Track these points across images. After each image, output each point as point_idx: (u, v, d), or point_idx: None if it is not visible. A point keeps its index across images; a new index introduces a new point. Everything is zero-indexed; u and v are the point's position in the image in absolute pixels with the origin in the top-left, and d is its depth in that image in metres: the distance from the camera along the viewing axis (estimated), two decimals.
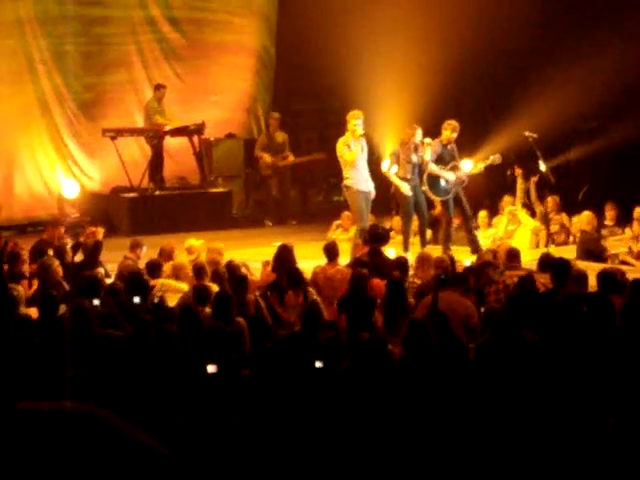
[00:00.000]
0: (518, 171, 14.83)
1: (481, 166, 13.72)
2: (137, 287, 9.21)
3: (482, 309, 8.45)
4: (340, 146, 12.89)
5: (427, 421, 5.93)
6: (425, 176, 13.19)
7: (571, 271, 9.41)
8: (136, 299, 8.86)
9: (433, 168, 13.17)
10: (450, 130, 13.28)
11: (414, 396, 6.21)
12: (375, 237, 11.35)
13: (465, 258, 12.59)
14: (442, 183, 13.25)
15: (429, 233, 13.97)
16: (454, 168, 13.31)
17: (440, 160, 13.26)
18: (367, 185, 12.95)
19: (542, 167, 13.73)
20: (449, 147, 13.36)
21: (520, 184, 14.82)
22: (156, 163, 17.06)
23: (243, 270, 10.07)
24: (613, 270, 9.43)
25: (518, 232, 14.45)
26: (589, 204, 15.09)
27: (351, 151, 12.77)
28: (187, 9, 18.70)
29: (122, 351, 7.41)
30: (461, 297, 8.73)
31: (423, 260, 10.63)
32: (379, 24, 18.38)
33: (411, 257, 11.55)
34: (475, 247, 13.01)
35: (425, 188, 13.24)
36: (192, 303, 8.64)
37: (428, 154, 13.14)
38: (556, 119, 16.50)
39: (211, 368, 6.77)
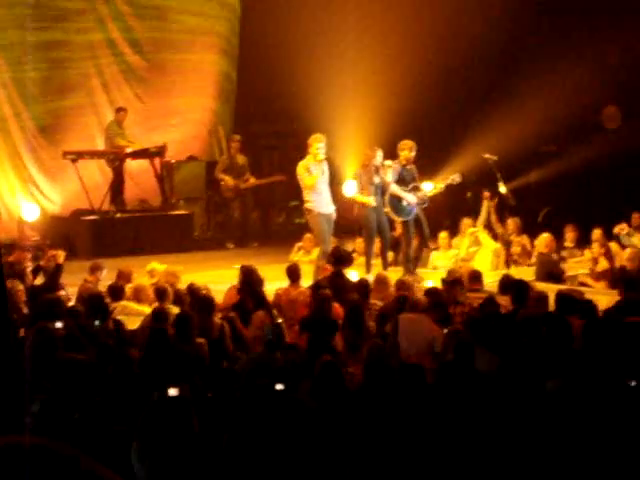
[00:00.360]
0: (486, 194, 14.90)
1: (441, 186, 13.80)
2: (97, 310, 9.16)
3: (445, 330, 8.47)
4: (300, 170, 12.91)
5: (386, 444, 5.94)
6: (387, 197, 13.24)
7: (530, 293, 9.49)
8: (96, 322, 8.81)
9: (394, 189, 13.22)
10: (407, 150, 13.34)
11: (373, 419, 6.21)
12: (339, 259, 11.37)
13: (427, 279, 12.69)
14: (403, 204, 13.31)
15: (391, 255, 14.02)
16: (415, 189, 13.37)
17: (401, 181, 13.32)
18: (328, 208, 12.97)
19: (502, 189, 13.84)
20: (409, 167, 13.41)
21: (485, 206, 14.90)
22: (117, 185, 17.00)
23: (205, 292, 10.04)
24: (571, 292, 9.52)
25: (479, 254, 14.52)
26: (549, 226, 15.21)
27: (311, 175, 12.79)
28: (147, 31, 18.71)
29: (85, 375, 7.36)
30: (432, 322, 8.73)
31: (380, 282, 10.66)
32: (340, 48, 18.48)
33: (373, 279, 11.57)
34: (412, 269, 13.09)
35: (387, 209, 13.29)
36: (153, 325, 8.60)
37: (389, 175, 13.20)
38: (516, 142, 16.66)
39: (172, 391, 6.74)
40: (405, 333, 8.57)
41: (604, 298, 9.63)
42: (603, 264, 13.16)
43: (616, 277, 12.18)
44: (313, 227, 13.17)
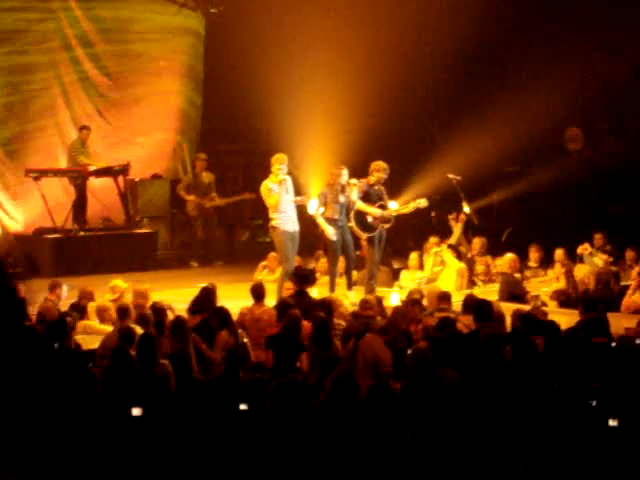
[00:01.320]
0: (451, 216, 14.93)
1: (406, 211, 13.81)
2: (58, 330, 9.08)
3: (409, 350, 8.44)
4: (264, 189, 12.91)
5: (352, 464, 5.93)
6: (352, 213, 13.28)
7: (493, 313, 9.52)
8: (55, 345, 8.72)
9: (360, 205, 13.26)
10: (382, 172, 13.38)
11: (338, 440, 6.21)
12: (301, 279, 11.36)
13: (389, 296, 12.72)
14: (369, 220, 13.35)
15: (355, 274, 14.02)
16: (381, 207, 13.41)
17: (367, 199, 13.35)
18: (293, 226, 12.97)
19: (465, 209, 13.89)
20: (376, 187, 13.44)
21: (459, 227, 14.91)
22: (80, 204, 16.91)
23: (168, 313, 10.00)
24: (535, 312, 9.57)
25: (443, 273, 14.54)
26: (512, 246, 15.28)
27: (273, 195, 12.78)
28: (111, 50, 18.67)
29: (44, 395, 7.30)
30: (379, 342, 8.71)
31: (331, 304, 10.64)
32: (305, 67, 18.51)
33: None
34: (369, 290, 13.11)
35: (352, 224, 13.32)
36: (117, 345, 8.54)
37: (355, 194, 13.22)
38: (480, 162, 16.74)
39: (136, 411, 6.71)
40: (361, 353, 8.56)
41: (563, 318, 9.69)
42: (559, 284, 13.26)
43: (577, 297, 12.27)
44: (277, 245, 13.15)
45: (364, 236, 13.53)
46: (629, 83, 18.38)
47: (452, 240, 14.78)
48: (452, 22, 18.07)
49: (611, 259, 14.18)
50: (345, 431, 6.38)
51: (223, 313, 9.81)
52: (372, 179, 13.42)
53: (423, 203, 13.73)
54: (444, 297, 10.79)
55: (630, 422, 6.47)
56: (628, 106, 18.96)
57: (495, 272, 14.38)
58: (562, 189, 18.27)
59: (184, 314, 10.47)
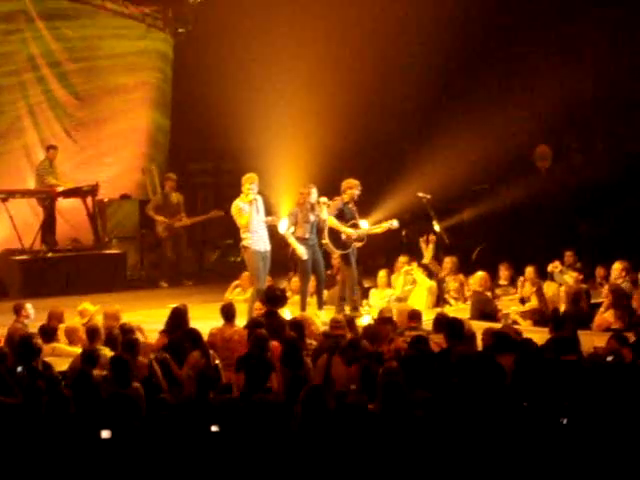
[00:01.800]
0: (422, 239, 14.94)
1: (378, 231, 13.82)
2: (27, 352, 8.99)
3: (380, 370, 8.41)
4: (234, 209, 12.88)
5: None
6: (326, 231, 13.29)
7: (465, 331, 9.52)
8: (19, 368, 8.61)
9: (334, 223, 13.27)
10: (355, 189, 13.43)
11: (311, 461, 6.18)
12: (272, 299, 11.30)
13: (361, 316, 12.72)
14: (342, 237, 13.35)
15: (326, 293, 14.00)
16: (354, 226, 13.44)
17: (341, 217, 13.38)
18: (264, 246, 12.93)
19: (436, 227, 13.90)
20: (350, 205, 13.49)
21: (431, 248, 14.90)
22: (48, 225, 16.82)
23: (137, 333, 9.93)
24: (508, 330, 9.58)
25: (414, 292, 14.54)
26: (483, 264, 15.30)
27: (244, 215, 12.76)
28: (78, 71, 18.63)
29: (14, 418, 7.24)
30: (341, 363, 8.70)
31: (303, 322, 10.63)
32: (275, 86, 18.54)
33: None
34: (353, 306, 13.18)
35: (326, 241, 13.33)
36: (79, 368, 8.46)
37: (325, 213, 13.23)
38: (449, 180, 16.78)
39: (105, 434, 6.66)
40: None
41: (535, 336, 9.69)
42: (532, 302, 13.28)
43: (547, 315, 12.30)
44: (249, 265, 13.10)
45: (337, 253, 13.52)
46: (596, 100, 18.50)
47: (425, 260, 14.78)
48: (422, 43, 18.16)
49: (581, 277, 14.23)
50: (319, 450, 6.35)
51: (194, 334, 9.75)
52: (345, 197, 13.46)
53: (395, 224, 13.76)
54: (414, 316, 10.78)
55: (600, 439, 6.47)
56: (596, 123, 19.09)
57: (468, 290, 14.39)
58: (532, 207, 18.35)
59: (155, 335, 10.44)
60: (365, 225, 13.72)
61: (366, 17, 18.41)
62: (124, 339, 9.45)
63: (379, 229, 13.82)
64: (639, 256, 14.70)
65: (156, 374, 8.91)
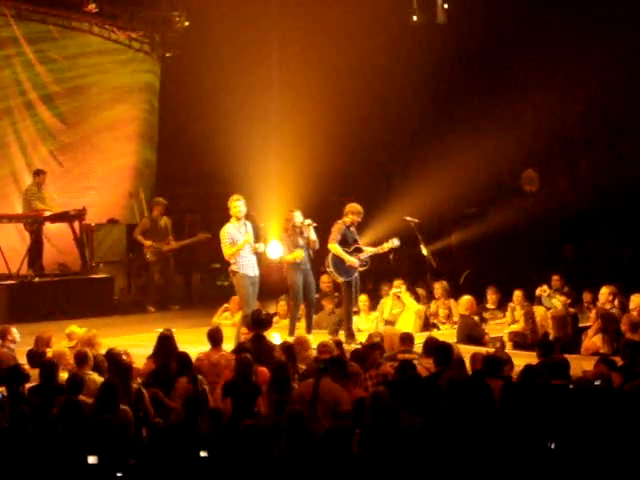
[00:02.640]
0: (385, 289, 15.04)
1: (381, 251, 13.75)
2: (14, 378, 8.95)
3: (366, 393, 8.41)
4: (223, 234, 12.84)
5: None
6: (330, 257, 13.25)
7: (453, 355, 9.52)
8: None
9: (339, 251, 13.22)
10: (357, 214, 13.41)
11: None
12: (257, 323, 11.28)
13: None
14: (346, 264, 13.31)
15: (314, 317, 13.99)
16: (357, 250, 13.41)
17: (343, 242, 13.35)
18: (253, 270, 12.90)
19: (424, 251, 13.89)
20: (352, 229, 13.47)
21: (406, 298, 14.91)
22: (35, 249, 16.77)
23: (124, 358, 9.88)
24: (499, 354, 9.58)
25: (402, 315, 14.55)
26: (471, 288, 15.31)
27: (230, 247, 12.70)
28: (67, 99, 18.65)
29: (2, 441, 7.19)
30: (332, 383, 8.67)
31: (299, 344, 10.60)
32: (262, 111, 18.61)
33: None
34: (348, 334, 13.14)
35: (330, 269, 13.30)
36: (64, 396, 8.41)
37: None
38: (437, 204, 16.82)
39: (92, 459, 6.62)
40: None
41: (518, 360, 9.70)
42: (517, 325, 13.30)
43: (534, 339, 12.31)
44: (237, 289, 13.07)
45: (341, 280, 13.44)
46: (582, 124, 18.59)
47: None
48: (411, 67, 18.22)
49: (569, 301, 14.24)
50: (304, 475, 6.33)
51: (183, 359, 9.73)
52: (347, 220, 13.43)
53: (396, 243, 13.74)
54: (407, 339, 10.78)
55: (588, 463, 6.46)
56: (582, 147, 19.17)
57: (456, 315, 14.38)
58: (519, 230, 18.39)
59: (143, 360, 10.40)
60: (368, 248, 13.68)
61: (352, 44, 18.47)
62: (115, 364, 9.40)
63: (382, 250, 13.77)
64: (627, 280, 14.75)
65: (144, 399, 8.87)
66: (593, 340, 11.93)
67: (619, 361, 9.59)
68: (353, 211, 13.46)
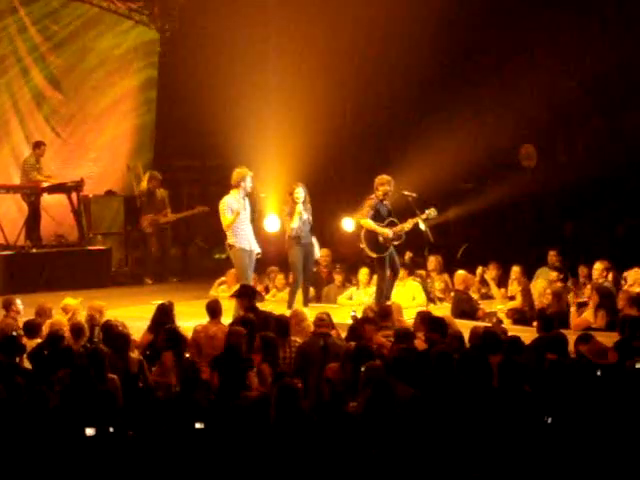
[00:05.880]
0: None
1: (421, 222, 13.45)
2: (10, 349, 8.96)
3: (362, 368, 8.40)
4: (222, 206, 12.83)
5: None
6: (362, 233, 13.10)
7: (449, 329, 9.54)
8: None
9: (371, 225, 13.06)
10: (387, 184, 13.05)
11: (291, 461, 6.17)
12: (244, 295, 11.25)
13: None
14: (380, 240, 13.10)
15: (312, 291, 14.00)
16: (391, 224, 13.21)
17: (378, 216, 13.06)
18: (250, 244, 12.88)
19: (421, 226, 13.84)
20: (385, 202, 13.22)
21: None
22: (33, 220, 16.77)
23: (121, 329, 9.88)
24: (496, 329, 9.60)
25: (397, 290, 14.52)
26: (468, 263, 15.32)
27: (226, 216, 12.69)
28: (65, 67, 18.59)
29: None
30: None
31: (296, 318, 10.60)
32: (260, 84, 18.53)
33: None
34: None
35: (363, 245, 13.14)
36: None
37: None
38: (435, 179, 16.77)
39: (90, 431, 6.63)
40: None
41: (522, 336, 9.71)
42: (515, 302, 13.30)
43: (532, 315, 12.32)
44: (235, 262, 13.05)
45: (375, 256, 13.23)
46: (581, 99, 18.54)
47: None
48: (410, 42, 18.13)
49: (561, 276, 14.16)
50: (294, 448, 6.35)
51: (172, 333, 9.68)
52: (379, 194, 13.13)
53: (434, 213, 13.49)
54: (384, 314, 10.79)
55: (585, 438, 6.49)
56: (580, 123, 19.13)
57: (453, 290, 14.39)
58: (517, 206, 18.38)
59: (140, 333, 10.42)
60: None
61: (354, 20, 18.39)
62: (114, 334, 9.41)
63: (428, 217, 13.39)
64: (622, 255, 14.76)
65: (145, 371, 8.89)
66: (584, 315, 11.93)
67: (614, 337, 9.63)
68: (382, 182, 13.10)
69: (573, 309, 12.12)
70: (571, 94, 18.40)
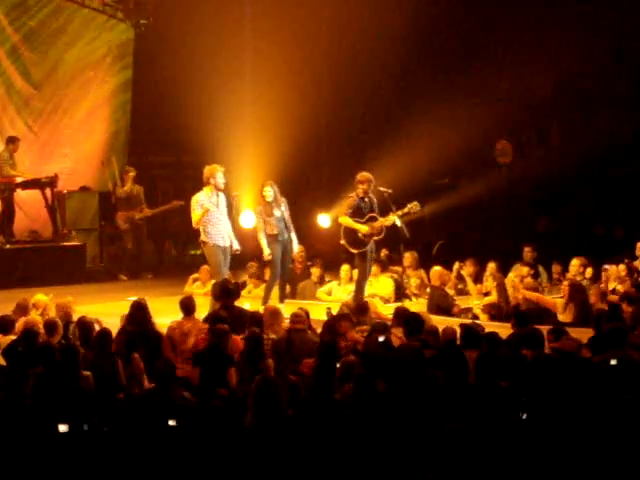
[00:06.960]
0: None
1: (397, 218, 13.47)
2: None
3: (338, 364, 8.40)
4: (193, 203, 12.77)
5: None
6: (342, 230, 13.14)
7: (424, 325, 9.54)
8: None
9: (348, 222, 13.07)
10: (365, 183, 13.04)
11: (267, 458, 6.16)
12: (225, 292, 11.22)
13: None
14: (359, 235, 13.05)
15: (288, 287, 13.97)
16: (372, 219, 13.20)
17: (358, 213, 13.06)
18: (223, 241, 12.82)
19: (397, 222, 13.84)
20: (366, 199, 13.20)
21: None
22: (7, 216, 16.67)
23: (95, 326, 9.83)
24: (473, 325, 9.61)
25: (373, 286, 14.54)
26: (443, 259, 15.34)
27: (195, 212, 12.63)
28: (39, 61, 18.47)
29: None
30: None
31: (271, 315, 10.56)
32: (235, 81, 18.52)
33: None
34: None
35: (343, 241, 13.14)
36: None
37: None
38: (410, 174, 16.80)
39: (63, 427, 6.59)
40: None
41: (497, 332, 9.73)
42: (491, 297, 13.32)
43: (508, 310, 12.35)
44: (209, 259, 13.00)
45: (355, 252, 13.24)
46: (555, 95, 18.62)
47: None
48: (385, 39, 18.17)
49: (532, 271, 14.19)
50: (274, 446, 6.33)
51: (146, 330, 9.63)
52: (359, 192, 13.11)
53: (416, 207, 13.52)
54: (363, 309, 10.78)
55: (560, 434, 6.50)
56: (555, 119, 19.22)
57: (429, 286, 14.40)
58: (492, 202, 18.44)
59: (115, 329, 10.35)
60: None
61: (329, 18, 18.41)
62: (82, 333, 9.36)
63: (412, 209, 13.44)
64: (597, 252, 14.83)
65: (118, 369, 8.84)
66: (556, 300, 12.01)
67: (586, 332, 9.67)
68: (361, 180, 13.10)
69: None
70: (546, 91, 18.48)
